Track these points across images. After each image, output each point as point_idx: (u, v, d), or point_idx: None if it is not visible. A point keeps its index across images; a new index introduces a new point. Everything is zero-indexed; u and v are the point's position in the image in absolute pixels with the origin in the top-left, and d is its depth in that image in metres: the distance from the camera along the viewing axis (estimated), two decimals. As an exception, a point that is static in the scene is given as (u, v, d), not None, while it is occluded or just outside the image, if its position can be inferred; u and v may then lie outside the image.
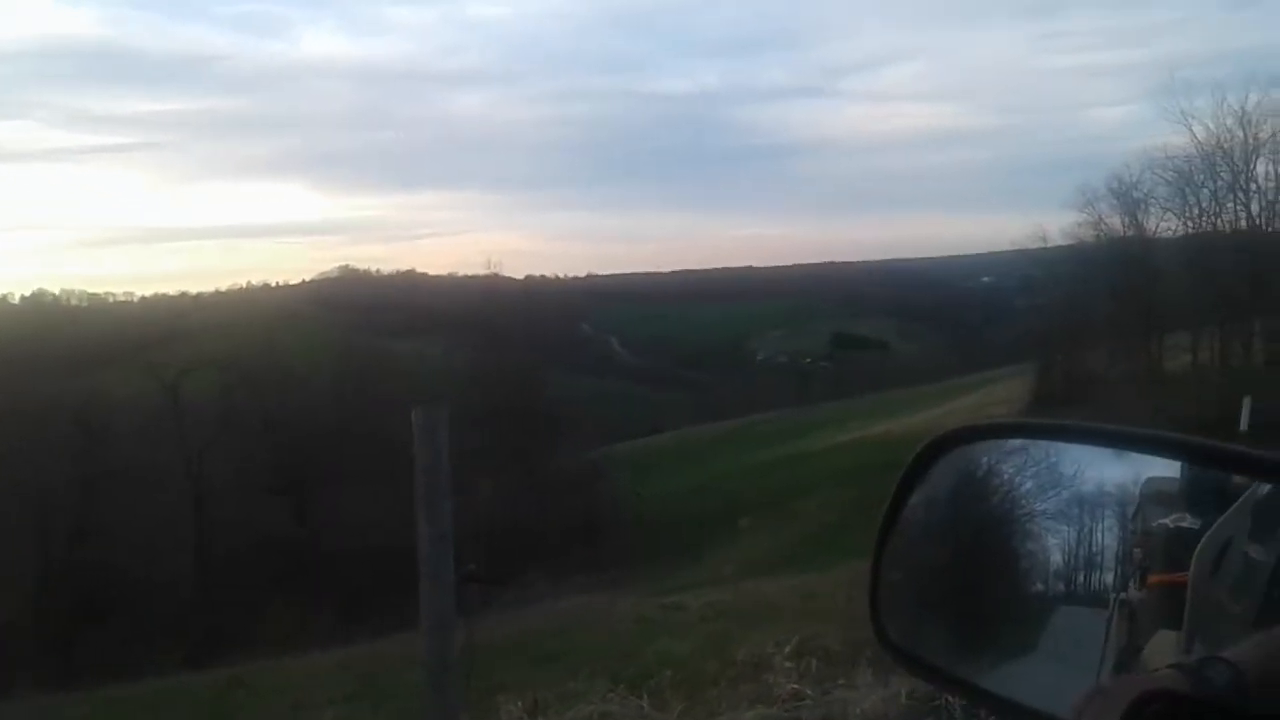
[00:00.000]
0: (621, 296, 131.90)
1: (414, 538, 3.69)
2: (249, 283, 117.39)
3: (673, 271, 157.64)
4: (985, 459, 1.06)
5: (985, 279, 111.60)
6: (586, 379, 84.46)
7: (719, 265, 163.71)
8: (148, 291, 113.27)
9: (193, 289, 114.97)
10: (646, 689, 5.73)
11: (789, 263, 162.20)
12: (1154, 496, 0.87)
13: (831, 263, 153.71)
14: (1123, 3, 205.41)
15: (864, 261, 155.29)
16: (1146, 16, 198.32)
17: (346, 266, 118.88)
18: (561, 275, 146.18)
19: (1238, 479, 0.81)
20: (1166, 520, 0.84)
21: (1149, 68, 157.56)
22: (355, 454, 32.82)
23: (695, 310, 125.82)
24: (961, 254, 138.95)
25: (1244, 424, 14.76)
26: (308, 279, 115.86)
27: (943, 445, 0.99)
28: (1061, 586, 0.94)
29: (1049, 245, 45.06)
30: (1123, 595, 0.87)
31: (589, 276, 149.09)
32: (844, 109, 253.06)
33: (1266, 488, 0.78)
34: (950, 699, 4.29)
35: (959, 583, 1.05)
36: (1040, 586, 0.96)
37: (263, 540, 31.71)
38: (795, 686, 5.14)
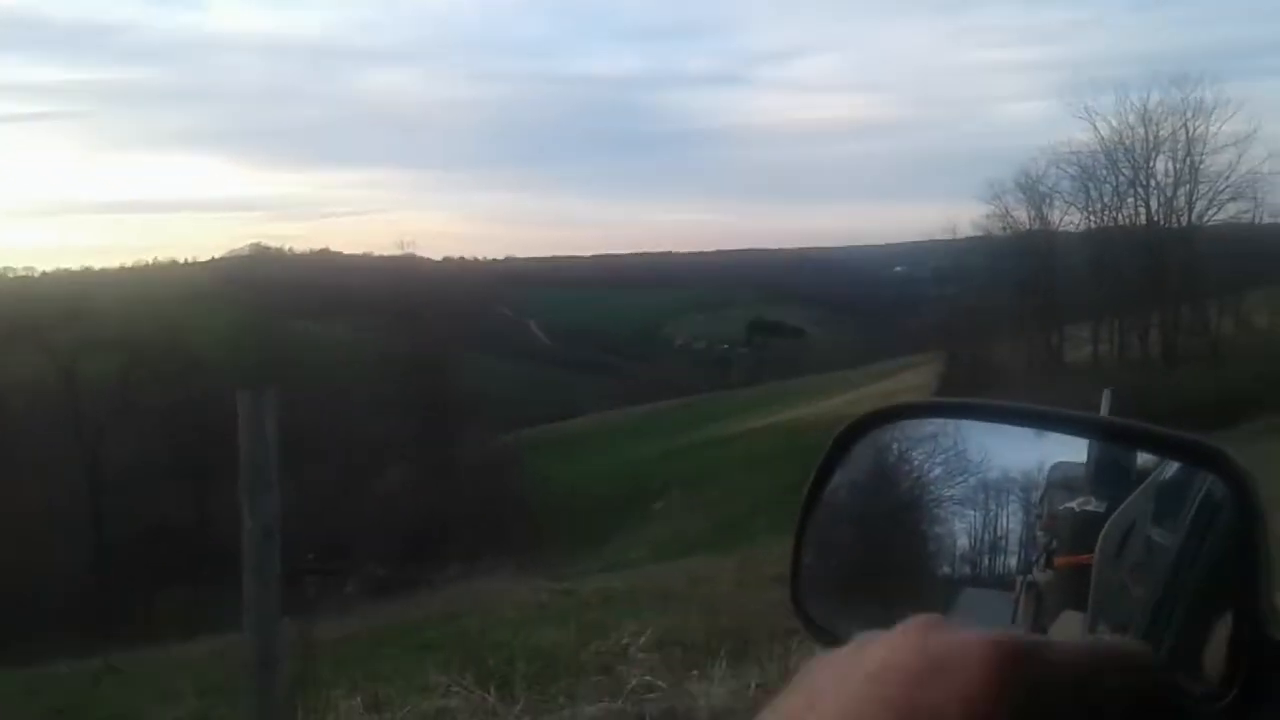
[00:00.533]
0: (541, 280, 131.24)
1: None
2: (155, 259, 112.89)
3: (593, 256, 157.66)
4: (898, 445, 1.08)
5: (899, 268, 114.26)
6: (505, 363, 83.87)
7: (639, 250, 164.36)
8: (50, 267, 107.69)
9: (97, 265, 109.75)
10: (495, 681, 5.66)
11: (709, 249, 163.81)
12: (1060, 481, 0.89)
13: (750, 250, 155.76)
14: (1036, 1, 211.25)
15: (782, 249, 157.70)
16: (1058, 15, 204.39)
17: (258, 244, 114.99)
18: (480, 257, 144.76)
19: (1142, 464, 0.83)
20: (1072, 504, 0.86)
21: (1059, 65, 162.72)
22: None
23: (615, 295, 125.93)
24: (877, 243, 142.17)
25: (1104, 414, 15.46)
26: (218, 256, 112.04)
27: (863, 426, 1.00)
28: (970, 569, 0.96)
29: (958, 237, 46.46)
30: (1030, 577, 0.89)
31: (508, 259, 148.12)
32: (764, 97, 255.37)
33: (1169, 472, 0.80)
34: None
35: (875, 565, 1.07)
36: (949, 569, 0.98)
37: (161, 526, 30.76)
38: (648, 678, 5.06)
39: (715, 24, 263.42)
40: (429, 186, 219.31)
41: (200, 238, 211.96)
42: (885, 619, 1.09)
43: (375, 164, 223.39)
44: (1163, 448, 0.80)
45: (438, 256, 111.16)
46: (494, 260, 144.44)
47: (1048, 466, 0.90)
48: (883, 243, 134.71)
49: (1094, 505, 0.83)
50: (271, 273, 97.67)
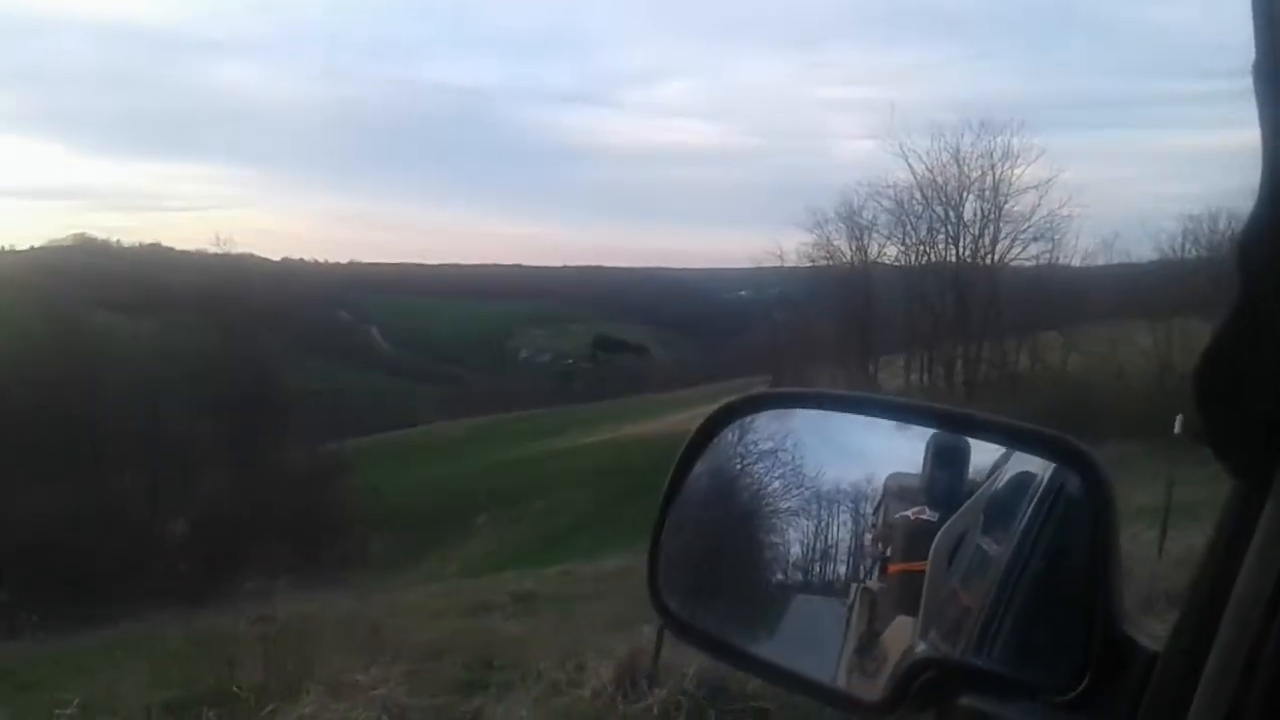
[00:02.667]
0: (385, 287, 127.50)
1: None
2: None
3: (439, 264, 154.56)
4: (741, 459, 1.09)
5: (743, 292, 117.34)
6: (343, 369, 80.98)
7: (487, 261, 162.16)
8: None
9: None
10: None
11: (557, 264, 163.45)
12: (896, 490, 0.91)
13: (599, 267, 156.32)
14: (877, 44, 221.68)
15: (630, 267, 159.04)
16: (895, 58, 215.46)
17: (82, 234, 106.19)
18: (322, 260, 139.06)
19: (973, 476, 0.87)
20: (907, 513, 0.89)
21: (892, 105, 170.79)
22: (59, 440, 29.56)
23: (460, 305, 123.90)
24: (723, 266, 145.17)
25: None
26: (38, 245, 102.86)
27: (727, 414, 1.01)
28: (802, 576, 0.98)
29: (785, 264, 47.90)
30: (865, 583, 0.91)
31: (351, 263, 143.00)
32: (619, 118, 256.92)
33: (999, 485, 0.83)
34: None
35: (733, 557, 1.08)
36: (783, 576, 1.00)
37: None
38: None
39: (577, 41, 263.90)
40: (271, 185, 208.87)
41: (23, 226, 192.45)
42: (738, 615, 1.10)
43: (215, 159, 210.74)
44: (1024, 442, 0.81)
45: (276, 257, 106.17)
46: (336, 264, 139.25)
47: (883, 477, 0.93)
48: (729, 266, 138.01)
49: (928, 515, 0.86)
50: (96, 265, 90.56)
